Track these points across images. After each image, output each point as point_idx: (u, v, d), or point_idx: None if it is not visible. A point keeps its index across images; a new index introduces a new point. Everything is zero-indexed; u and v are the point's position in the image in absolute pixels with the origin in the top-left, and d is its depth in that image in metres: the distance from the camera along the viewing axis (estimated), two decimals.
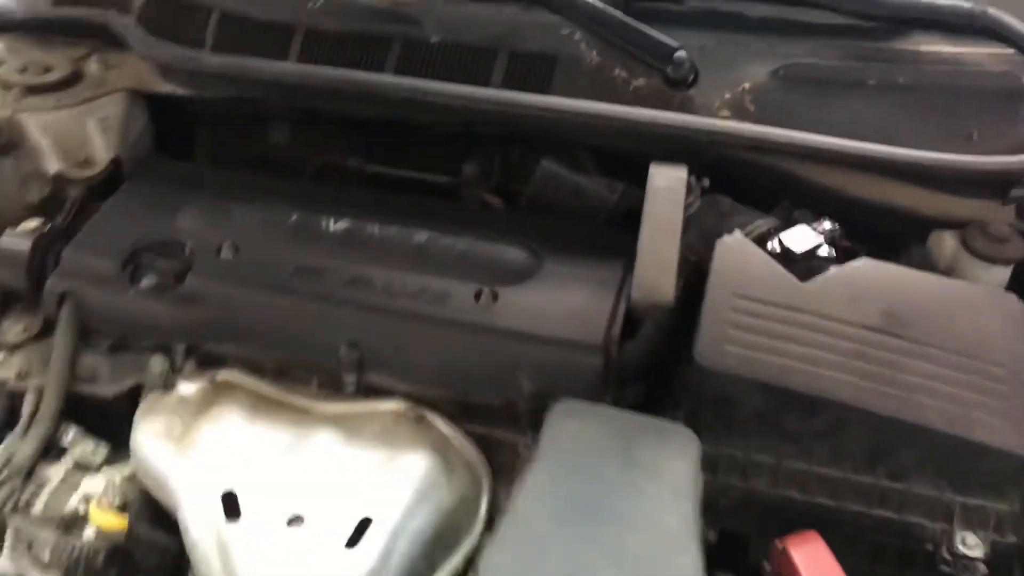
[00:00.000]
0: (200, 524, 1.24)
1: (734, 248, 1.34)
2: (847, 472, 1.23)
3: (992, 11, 1.54)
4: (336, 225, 1.55)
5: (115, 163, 1.70)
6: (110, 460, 1.40)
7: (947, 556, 1.21)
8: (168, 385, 1.45)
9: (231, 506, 1.25)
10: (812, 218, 1.46)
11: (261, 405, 1.41)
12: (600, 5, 1.62)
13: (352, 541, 1.21)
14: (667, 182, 1.43)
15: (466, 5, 1.72)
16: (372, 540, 1.21)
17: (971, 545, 1.19)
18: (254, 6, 1.79)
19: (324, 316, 1.43)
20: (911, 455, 1.19)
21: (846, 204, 1.49)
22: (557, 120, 1.55)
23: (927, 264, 1.48)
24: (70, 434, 1.42)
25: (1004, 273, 1.40)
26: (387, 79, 1.59)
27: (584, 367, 1.34)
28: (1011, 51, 1.57)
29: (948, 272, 1.44)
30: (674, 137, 1.50)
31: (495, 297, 1.42)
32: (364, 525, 1.22)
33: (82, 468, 1.39)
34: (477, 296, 1.42)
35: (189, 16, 1.82)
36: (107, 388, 1.47)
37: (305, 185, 1.70)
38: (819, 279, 1.31)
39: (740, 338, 1.23)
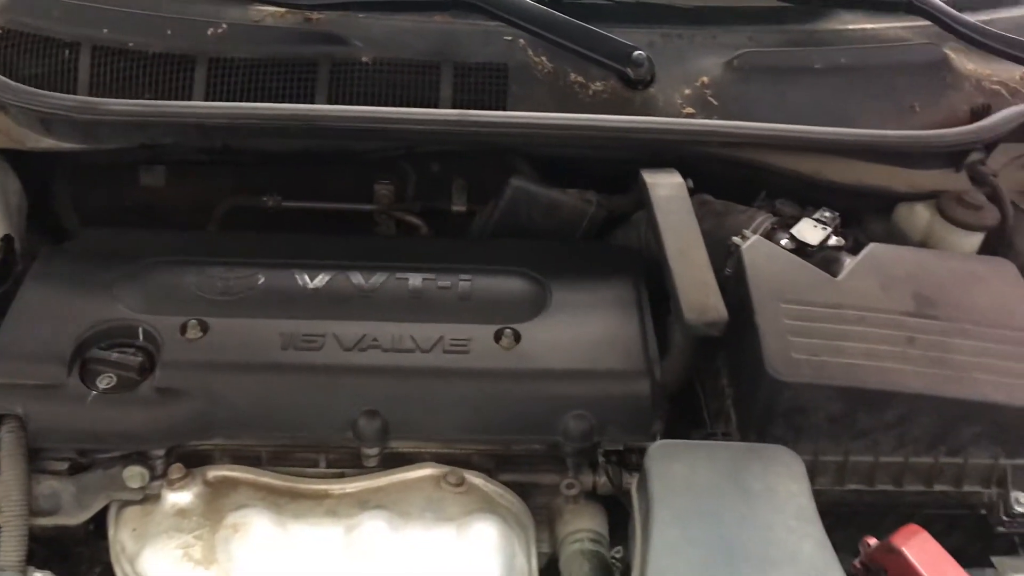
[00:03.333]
0: None
1: (760, 253, 1.33)
2: (908, 456, 1.26)
3: None
4: (314, 281, 1.37)
5: (6, 241, 1.42)
6: None
7: (1004, 517, 1.27)
8: (149, 497, 1.24)
9: None
10: (798, 207, 1.48)
11: (277, 499, 1.24)
12: (545, 8, 1.53)
13: None
14: (670, 190, 1.39)
15: (393, 18, 1.58)
16: None
17: None
18: (135, 37, 1.55)
19: (332, 388, 1.27)
20: (971, 430, 1.23)
21: (820, 188, 1.51)
22: (525, 135, 1.46)
23: (894, 236, 1.55)
24: None
25: (978, 239, 1.49)
26: (341, 111, 1.42)
27: (632, 395, 1.28)
28: (926, 24, 1.66)
29: (923, 241, 1.51)
30: (650, 141, 1.46)
31: (517, 337, 1.32)
32: None
33: None
34: (497, 338, 1.32)
35: (50, 54, 1.55)
36: (74, 516, 1.23)
37: (247, 237, 1.50)
38: (848, 272, 1.32)
39: (802, 345, 1.22)
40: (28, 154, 1.51)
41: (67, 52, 1.55)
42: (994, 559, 1.22)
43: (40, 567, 1.19)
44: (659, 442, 1.16)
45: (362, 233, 1.65)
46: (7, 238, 1.42)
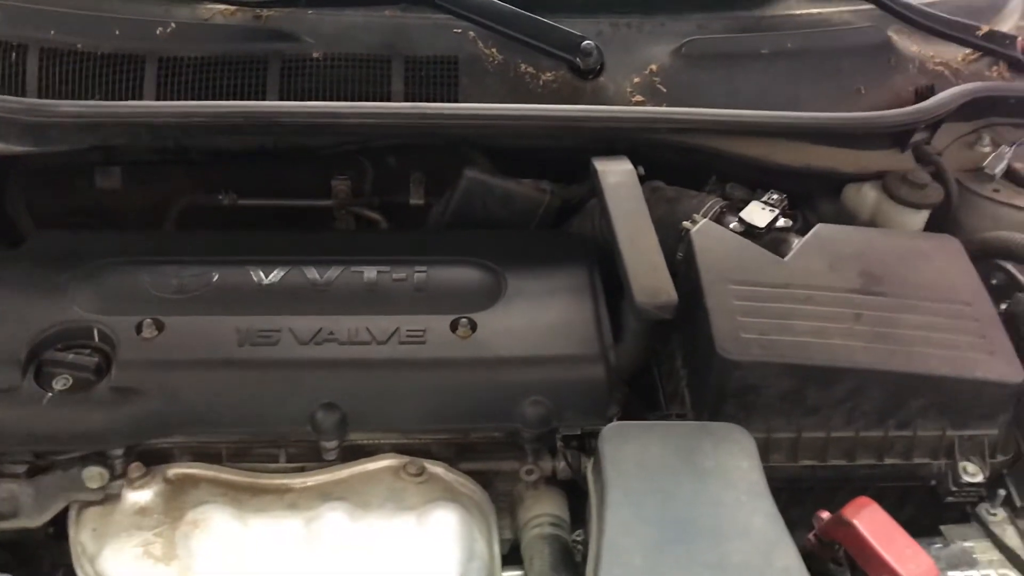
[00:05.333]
0: None
1: (710, 236, 1.35)
2: (859, 431, 1.28)
3: None
4: (269, 276, 1.37)
5: None
6: None
7: (952, 487, 1.30)
8: (109, 497, 1.24)
9: None
10: (748, 191, 1.50)
11: (238, 495, 1.24)
12: (494, 1, 1.54)
13: None
14: (620, 177, 1.41)
15: (342, 14, 1.58)
16: None
17: (972, 472, 1.29)
18: (83, 38, 1.55)
19: (291, 382, 1.27)
20: (919, 403, 1.26)
21: (769, 171, 1.53)
22: (479, 127, 1.47)
23: (843, 216, 1.57)
24: None
25: (924, 217, 1.52)
26: (293, 107, 1.43)
27: (588, 380, 1.30)
28: (870, 7, 1.68)
29: (871, 221, 1.54)
30: (601, 129, 1.48)
31: (473, 326, 1.33)
32: None
33: None
34: (454, 327, 1.33)
35: None
36: (32, 519, 1.23)
37: (201, 236, 1.50)
38: (795, 252, 1.35)
39: (752, 325, 1.24)
40: None
41: (14, 55, 1.54)
42: (942, 528, 1.25)
43: (0, 571, 1.19)
44: (612, 424, 1.18)
45: (318, 229, 1.65)
46: None
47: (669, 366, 1.39)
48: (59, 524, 1.24)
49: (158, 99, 1.50)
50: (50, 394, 1.23)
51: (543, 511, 1.29)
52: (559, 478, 1.31)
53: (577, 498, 1.32)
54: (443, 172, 1.63)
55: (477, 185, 1.55)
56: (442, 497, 1.25)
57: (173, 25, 1.55)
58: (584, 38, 1.54)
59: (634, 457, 1.12)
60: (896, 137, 1.55)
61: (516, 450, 1.32)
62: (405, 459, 1.28)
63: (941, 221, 1.53)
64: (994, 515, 1.26)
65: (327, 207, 1.68)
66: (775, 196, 1.45)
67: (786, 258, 1.34)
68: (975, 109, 1.62)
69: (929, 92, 1.62)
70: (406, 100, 1.53)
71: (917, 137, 1.56)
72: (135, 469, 1.24)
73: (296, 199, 1.69)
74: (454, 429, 1.30)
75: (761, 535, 1.07)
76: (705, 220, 1.38)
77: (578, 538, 1.28)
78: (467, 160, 1.60)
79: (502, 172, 1.57)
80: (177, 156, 1.58)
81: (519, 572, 1.25)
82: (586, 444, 1.31)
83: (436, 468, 1.28)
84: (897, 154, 1.56)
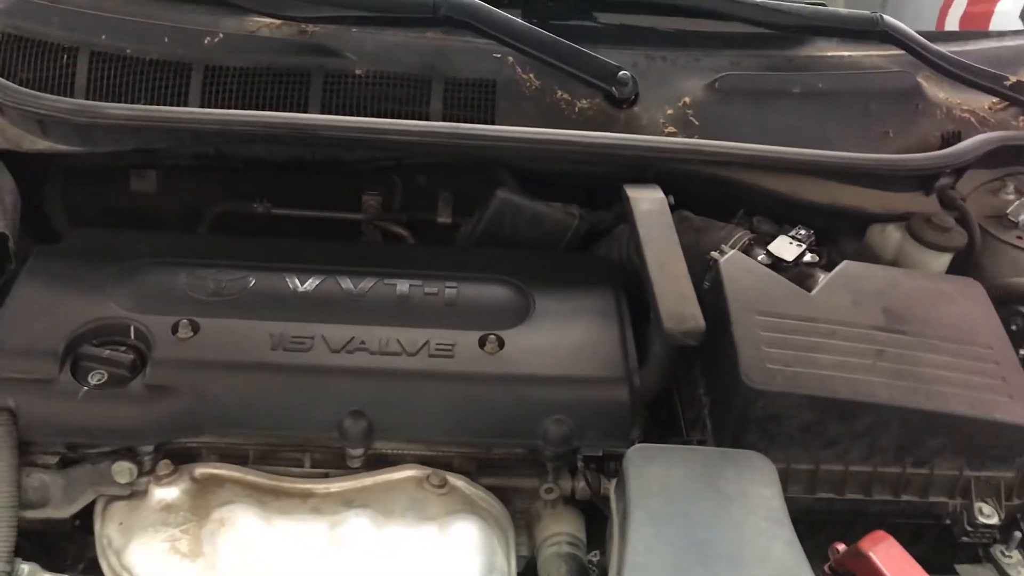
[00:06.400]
0: None
1: (738, 267, 1.37)
2: (876, 466, 1.30)
3: (888, 18, 1.68)
4: (304, 284, 1.40)
5: (1, 240, 1.44)
6: None
7: (968, 527, 1.31)
8: (136, 492, 1.26)
9: None
10: (775, 225, 1.53)
11: (262, 497, 1.26)
12: (534, 28, 1.58)
13: None
14: (652, 205, 1.44)
15: (385, 32, 1.62)
16: None
17: (987, 514, 1.31)
18: (134, 43, 1.59)
19: (320, 388, 1.29)
20: (937, 442, 1.28)
21: (796, 207, 1.56)
22: (514, 149, 1.50)
23: (866, 255, 1.60)
24: (24, 571, 1.19)
25: (947, 260, 1.54)
26: (333, 121, 1.46)
27: (612, 402, 1.32)
28: (900, 53, 1.72)
29: (894, 261, 1.57)
30: (633, 158, 1.51)
31: (501, 343, 1.35)
32: None
33: None
34: (482, 343, 1.35)
35: (48, 59, 1.58)
36: (62, 509, 1.25)
37: (239, 240, 1.53)
38: (821, 287, 1.37)
39: (777, 356, 1.26)
40: (22, 155, 1.54)
41: (65, 57, 1.58)
42: (958, 567, 1.26)
43: (25, 560, 1.20)
44: (637, 446, 1.20)
45: (347, 241, 1.68)
46: (2, 236, 1.43)
47: (691, 393, 1.41)
48: (85, 517, 1.26)
49: (202, 106, 1.54)
50: (85, 388, 1.25)
51: (561, 530, 1.31)
52: (577, 498, 1.33)
53: (593, 519, 1.35)
54: (471, 192, 1.66)
55: (508, 206, 1.58)
56: (463, 509, 1.26)
57: (221, 35, 1.58)
58: (620, 68, 1.57)
59: (658, 479, 1.14)
60: (922, 180, 1.58)
61: (536, 468, 1.33)
62: (428, 470, 1.30)
63: (963, 265, 1.55)
64: (1009, 557, 1.28)
65: (356, 221, 1.72)
66: (803, 231, 1.48)
67: (812, 292, 1.36)
68: (1001, 157, 1.65)
69: (956, 138, 1.65)
70: (444, 120, 1.56)
71: (942, 181, 1.59)
72: (163, 466, 1.26)
73: (326, 211, 1.72)
74: (477, 443, 1.32)
75: (780, 562, 1.09)
76: (734, 251, 1.40)
77: (594, 559, 1.30)
78: (497, 182, 1.63)
79: (531, 195, 1.60)
80: (216, 163, 1.61)
81: None
82: (606, 466, 1.33)
83: (458, 481, 1.30)
84: (922, 197, 1.59)
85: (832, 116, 1.64)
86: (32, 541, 1.25)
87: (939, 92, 1.73)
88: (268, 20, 1.62)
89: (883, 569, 1.16)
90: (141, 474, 1.25)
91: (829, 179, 1.55)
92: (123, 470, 1.24)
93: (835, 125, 1.64)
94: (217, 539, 1.18)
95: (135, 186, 1.72)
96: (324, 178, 1.71)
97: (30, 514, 1.23)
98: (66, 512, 1.25)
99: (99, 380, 1.27)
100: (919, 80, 1.72)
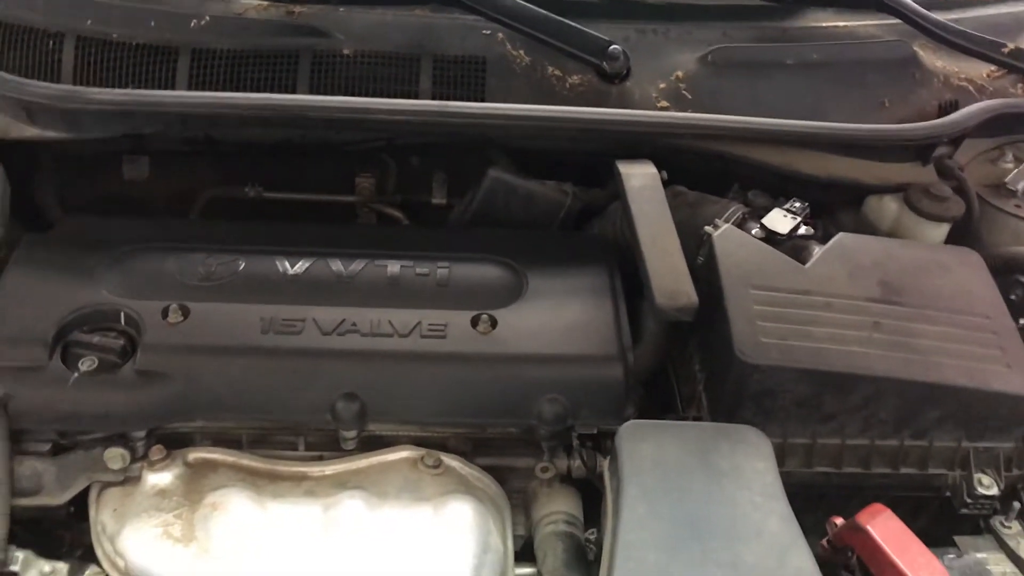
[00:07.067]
0: None
1: (732, 241, 1.36)
2: (875, 439, 1.29)
3: None
4: (294, 267, 1.39)
5: None
6: None
7: (967, 499, 1.30)
8: (129, 478, 1.25)
9: None
10: (770, 199, 1.51)
11: (256, 481, 1.26)
12: (523, 3, 1.56)
13: None
14: (644, 180, 1.42)
15: (373, 11, 1.61)
16: None
17: (987, 485, 1.30)
18: (120, 28, 1.58)
19: (312, 371, 1.29)
20: (935, 414, 1.26)
21: (791, 180, 1.54)
22: (505, 127, 1.49)
23: (863, 227, 1.58)
24: (19, 559, 1.19)
25: (945, 230, 1.52)
26: (322, 101, 1.45)
27: (606, 380, 1.31)
28: (896, 21, 1.69)
29: (891, 233, 1.55)
30: (626, 133, 1.49)
31: (494, 323, 1.34)
32: None
33: None
34: (474, 323, 1.34)
35: (34, 45, 1.57)
36: (55, 496, 1.24)
37: (229, 225, 1.52)
38: (816, 260, 1.35)
39: (771, 329, 1.25)
40: (11, 144, 1.52)
41: (51, 43, 1.57)
42: (957, 538, 1.25)
43: (20, 547, 1.20)
44: (629, 422, 1.19)
45: (341, 224, 1.67)
46: None
47: (686, 369, 1.40)
48: (79, 504, 1.26)
49: (190, 90, 1.53)
50: (76, 375, 1.25)
51: (557, 508, 1.30)
52: (573, 476, 1.32)
53: (590, 498, 1.34)
54: (465, 173, 1.65)
55: (500, 185, 1.56)
56: (458, 490, 1.26)
57: (207, 18, 1.57)
58: (611, 42, 1.55)
59: (651, 455, 1.13)
60: (919, 150, 1.56)
61: (532, 447, 1.33)
62: (422, 451, 1.29)
63: (961, 235, 1.53)
64: (1008, 528, 1.26)
65: (350, 203, 1.70)
66: (797, 204, 1.46)
67: (807, 265, 1.35)
68: (999, 125, 1.63)
69: (953, 107, 1.63)
70: (433, 99, 1.55)
71: (940, 151, 1.57)
72: (156, 452, 1.26)
73: (319, 195, 1.71)
74: (471, 424, 1.31)
75: (775, 537, 1.08)
76: (727, 225, 1.39)
77: (591, 537, 1.29)
78: (490, 161, 1.62)
79: (524, 174, 1.58)
80: (206, 147, 1.60)
81: (531, 569, 1.26)
82: (602, 444, 1.32)
83: (452, 461, 1.30)
84: (919, 167, 1.57)
85: (827, 87, 1.62)
86: (27, 528, 1.25)
87: (936, 61, 1.70)
88: (255, 1, 1.60)
89: (881, 542, 1.15)
90: (134, 460, 1.25)
91: (824, 151, 1.53)
92: (116, 456, 1.24)
93: (830, 96, 1.62)
94: (210, 523, 1.18)
95: (127, 174, 1.71)
96: (317, 161, 1.70)
97: (24, 502, 1.22)
98: (60, 499, 1.24)
99: (90, 366, 1.26)
100: (915, 49, 1.70)
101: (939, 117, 1.60)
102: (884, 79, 1.65)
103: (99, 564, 1.20)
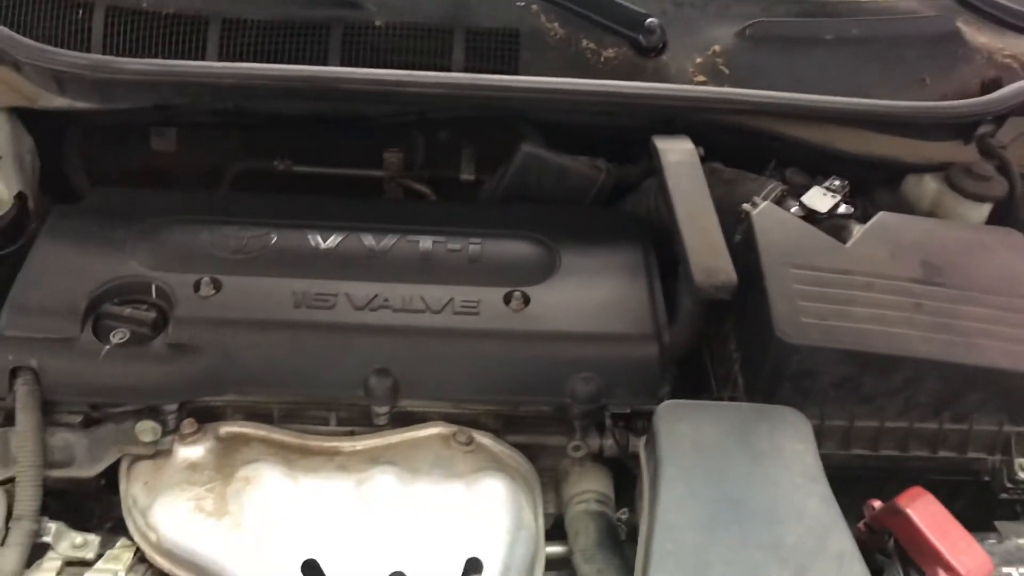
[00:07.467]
0: None
1: (771, 219, 1.33)
2: (914, 421, 1.27)
3: None
4: (326, 241, 1.38)
5: (20, 199, 1.42)
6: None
7: (1007, 484, 1.28)
8: (160, 452, 1.25)
9: None
10: (808, 177, 1.48)
11: (288, 456, 1.25)
12: None
13: None
14: (681, 156, 1.39)
15: None
16: None
17: None
18: None
19: (344, 346, 1.28)
20: (976, 396, 1.24)
21: (830, 158, 1.52)
22: (538, 100, 1.46)
23: (902, 207, 1.55)
24: (51, 530, 1.19)
25: (987, 210, 1.49)
26: (354, 73, 1.42)
27: (640, 359, 1.29)
28: None
29: (931, 212, 1.52)
30: (661, 107, 1.46)
31: (526, 300, 1.33)
32: (473, 567, 1.12)
33: (75, 566, 1.17)
34: (507, 300, 1.33)
35: (64, 15, 1.56)
36: (87, 469, 1.24)
37: (260, 198, 1.50)
38: (857, 239, 1.33)
39: (811, 309, 1.23)
40: (40, 114, 1.52)
41: (80, 12, 1.55)
42: (997, 524, 1.23)
43: (51, 518, 1.20)
44: (668, 402, 1.17)
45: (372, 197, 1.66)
46: (21, 195, 1.42)
47: (721, 349, 1.38)
48: (110, 477, 1.26)
49: (220, 60, 1.51)
50: (107, 347, 1.24)
51: (589, 487, 1.29)
52: (605, 456, 1.31)
53: (621, 477, 1.33)
54: (495, 149, 1.63)
55: (533, 160, 1.54)
56: (490, 467, 1.25)
57: None
58: (648, 15, 1.53)
59: (689, 435, 1.11)
60: (961, 129, 1.53)
61: (564, 426, 1.31)
62: (454, 428, 1.28)
63: (1004, 216, 1.50)
64: None
65: (378, 178, 1.69)
66: (837, 182, 1.43)
67: (847, 244, 1.32)
68: None
69: (996, 85, 1.59)
70: (466, 72, 1.52)
71: (982, 130, 1.53)
72: (187, 425, 1.25)
73: (347, 169, 1.69)
74: (503, 401, 1.30)
75: (816, 519, 1.06)
76: (766, 203, 1.36)
77: (622, 516, 1.28)
78: (520, 136, 1.60)
79: (556, 149, 1.56)
80: (234, 119, 1.59)
81: (562, 547, 1.25)
82: (634, 423, 1.31)
83: (484, 439, 1.29)
84: (961, 146, 1.54)
85: (866, 63, 1.59)
86: (59, 500, 1.25)
87: (979, 36, 1.66)
88: None
89: (921, 526, 1.12)
90: (165, 433, 1.24)
91: (864, 128, 1.50)
92: (147, 429, 1.23)
93: (870, 72, 1.58)
94: (243, 497, 1.17)
95: (155, 146, 1.70)
96: (345, 135, 1.68)
97: (56, 473, 1.22)
98: (91, 471, 1.24)
99: (121, 339, 1.26)
100: (958, 24, 1.66)
101: (982, 95, 1.56)
102: (925, 55, 1.61)
103: (130, 537, 1.19)
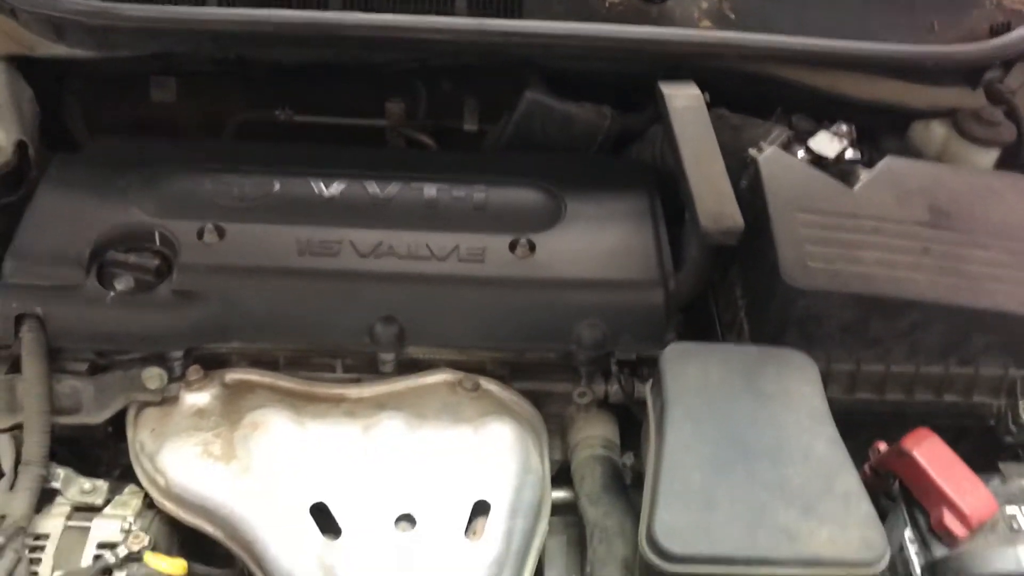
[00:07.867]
0: (292, 550, 1.08)
1: (778, 164, 1.32)
2: (920, 365, 1.27)
3: None
4: (330, 189, 1.37)
5: (20, 147, 1.41)
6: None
7: (1012, 427, 1.29)
8: (167, 398, 1.25)
9: (326, 521, 1.10)
10: (814, 123, 1.47)
11: (294, 402, 1.25)
12: None
13: (470, 529, 1.11)
14: (687, 102, 1.38)
15: None
16: (493, 524, 1.11)
17: None
18: None
19: (350, 293, 1.28)
20: (982, 340, 1.24)
21: (836, 104, 1.50)
22: (542, 46, 1.44)
23: (909, 153, 1.54)
24: (60, 475, 1.20)
25: (994, 156, 1.48)
26: (357, 18, 1.40)
27: (646, 305, 1.29)
28: None
29: (938, 158, 1.51)
30: (667, 53, 1.45)
31: (532, 247, 1.32)
32: (481, 509, 1.12)
33: (83, 511, 1.18)
34: (512, 247, 1.32)
35: None
36: (94, 416, 1.24)
37: (263, 146, 1.49)
38: (864, 183, 1.32)
39: (818, 253, 1.22)
40: (39, 63, 1.50)
41: None
42: (1001, 464, 1.23)
43: (60, 464, 1.20)
44: (674, 344, 1.17)
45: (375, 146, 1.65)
46: (21, 144, 1.41)
47: (727, 296, 1.37)
48: (117, 425, 1.26)
49: (221, 7, 1.48)
50: (112, 294, 1.24)
51: (594, 433, 1.30)
52: (611, 402, 1.32)
53: (626, 423, 1.33)
54: (498, 99, 1.62)
55: (537, 107, 1.53)
56: (496, 412, 1.25)
57: None
58: None
59: (696, 377, 1.12)
60: (968, 73, 1.51)
61: (569, 372, 1.31)
62: (460, 374, 1.29)
63: (1012, 161, 1.49)
64: None
65: (380, 128, 1.68)
66: (844, 127, 1.42)
67: (855, 188, 1.32)
68: None
69: (1005, 29, 1.57)
70: (469, 16, 1.50)
71: (990, 75, 1.51)
72: (193, 372, 1.26)
73: (349, 118, 1.68)
74: (509, 348, 1.30)
75: (822, 460, 1.07)
76: (773, 148, 1.35)
77: (627, 461, 1.29)
78: (524, 83, 1.58)
79: (561, 96, 1.55)
80: (235, 68, 1.57)
81: (568, 492, 1.26)
82: (640, 369, 1.31)
83: (490, 385, 1.29)
84: (968, 91, 1.52)
85: (874, 8, 1.56)
86: (67, 448, 1.25)
87: None
88: None
89: (926, 466, 1.13)
90: (171, 380, 1.24)
91: (871, 73, 1.49)
92: (153, 376, 1.23)
93: (877, 17, 1.55)
94: (250, 443, 1.18)
95: (155, 96, 1.69)
96: (346, 85, 1.67)
97: (63, 420, 1.23)
98: (98, 418, 1.24)
99: (126, 286, 1.26)
100: None
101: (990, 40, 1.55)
102: (933, 1, 1.59)
103: (138, 484, 1.20)
